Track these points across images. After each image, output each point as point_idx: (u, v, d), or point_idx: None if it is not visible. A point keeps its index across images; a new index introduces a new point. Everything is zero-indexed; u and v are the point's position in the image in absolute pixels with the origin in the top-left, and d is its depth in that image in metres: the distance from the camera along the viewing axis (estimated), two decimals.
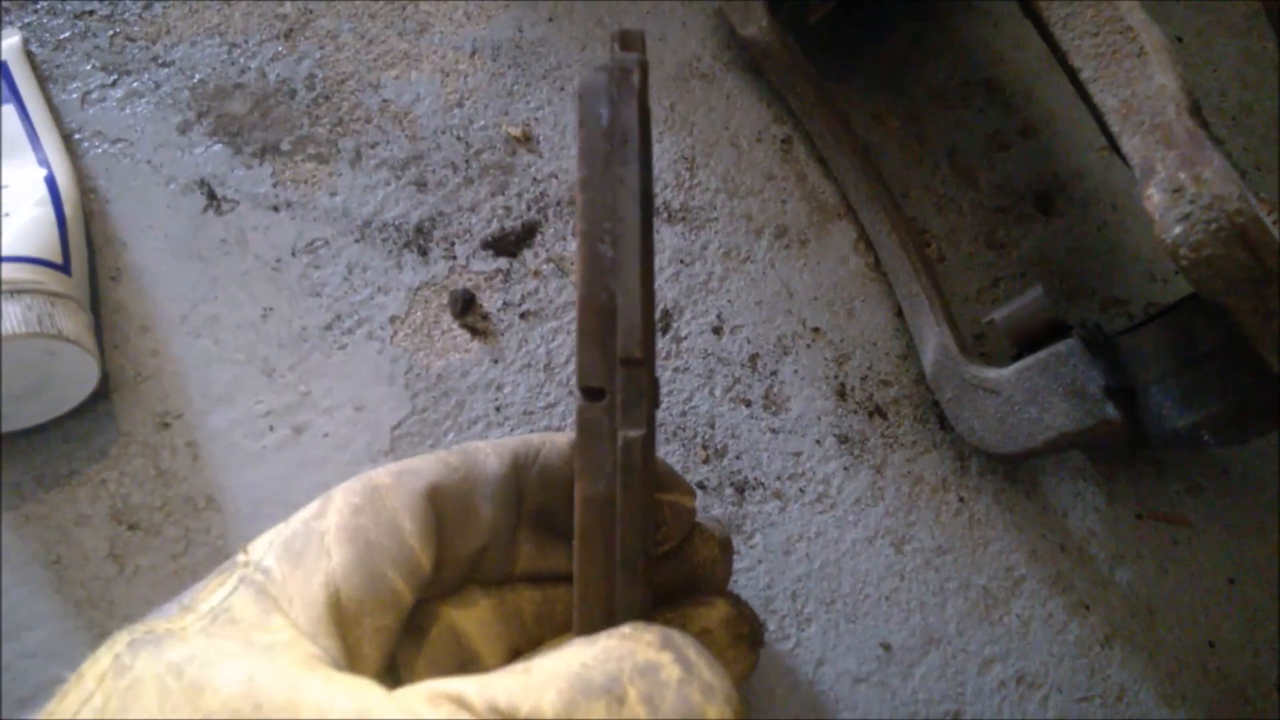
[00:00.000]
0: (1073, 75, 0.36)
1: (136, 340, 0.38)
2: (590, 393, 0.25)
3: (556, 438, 0.31)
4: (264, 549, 0.26)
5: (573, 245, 0.43)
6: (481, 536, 0.29)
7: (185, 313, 0.39)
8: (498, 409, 0.40)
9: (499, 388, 0.41)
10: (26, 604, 0.34)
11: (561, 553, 0.30)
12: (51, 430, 0.36)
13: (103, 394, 0.37)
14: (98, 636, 0.35)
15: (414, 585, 0.26)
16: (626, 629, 0.23)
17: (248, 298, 0.40)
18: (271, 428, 0.38)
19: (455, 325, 0.41)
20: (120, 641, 0.23)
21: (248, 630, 0.23)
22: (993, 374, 0.40)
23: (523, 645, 0.30)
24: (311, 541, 0.25)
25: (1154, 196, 0.30)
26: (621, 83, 0.26)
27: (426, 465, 0.29)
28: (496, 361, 0.41)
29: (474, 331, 0.41)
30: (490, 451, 0.30)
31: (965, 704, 0.40)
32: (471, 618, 0.29)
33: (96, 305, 0.38)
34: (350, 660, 0.24)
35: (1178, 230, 0.29)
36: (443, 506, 0.28)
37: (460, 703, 0.21)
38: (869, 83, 0.51)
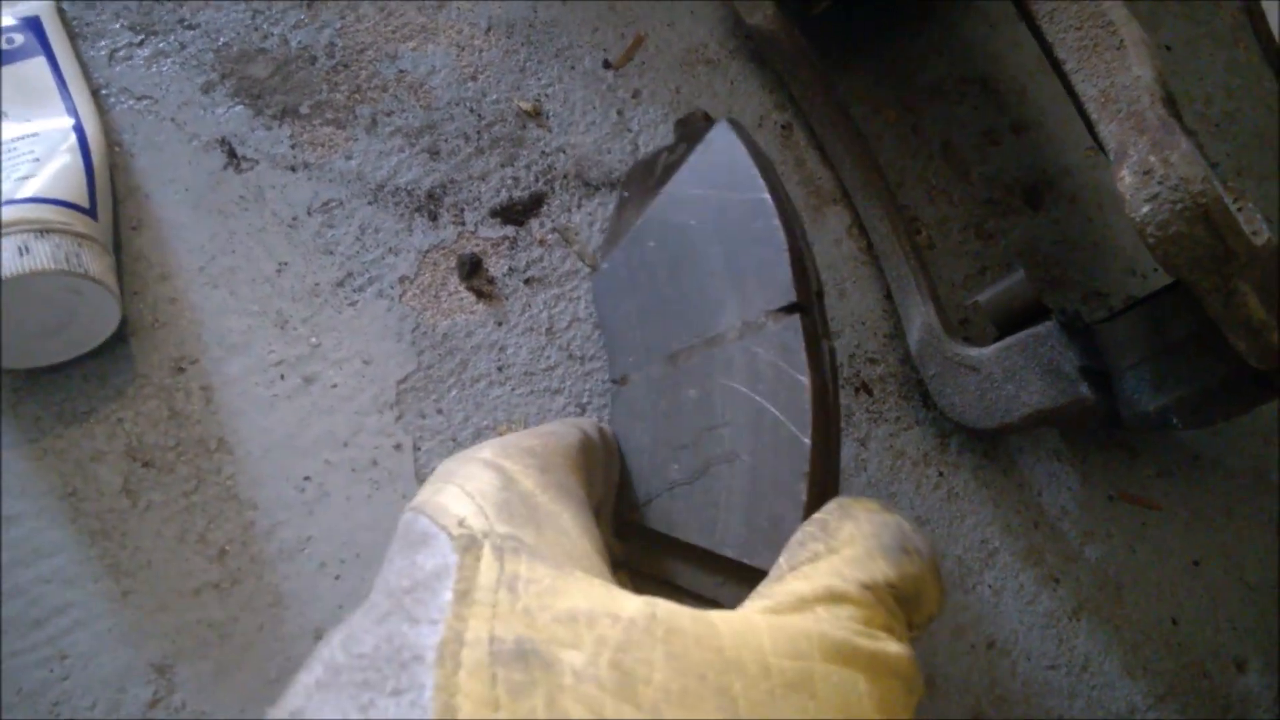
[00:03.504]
0: (1058, 67, 0.38)
1: (155, 288, 0.40)
2: (797, 308, 0.31)
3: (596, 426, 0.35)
4: (480, 522, 0.24)
5: (576, 216, 0.45)
6: (597, 496, 0.32)
7: (203, 264, 0.40)
8: (500, 369, 0.42)
9: (502, 349, 0.42)
10: (43, 532, 0.36)
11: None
12: (72, 369, 0.38)
13: (121, 337, 0.38)
14: (109, 566, 0.36)
15: None
16: (842, 500, 0.28)
17: (264, 252, 0.41)
18: (283, 376, 0.40)
19: (462, 288, 0.43)
20: (484, 665, 0.19)
21: (584, 587, 0.22)
22: (974, 352, 0.42)
23: None
24: (528, 504, 0.26)
25: (1126, 178, 0.31)
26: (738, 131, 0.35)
27: (563, 429, 0.32)
28: (500, 324, 0.43)
29: (480, 294, 0.43)
30: (586, 424, 0.34)
31: (937, 668, 0.42)
32: None
33: (118, 253, 0.39)
34: None
35: (1146, 209, 0.31)
36: (588, 464, 0.32)
37: (834, 596, 0.23)
38: (869, 75, 0.52)
